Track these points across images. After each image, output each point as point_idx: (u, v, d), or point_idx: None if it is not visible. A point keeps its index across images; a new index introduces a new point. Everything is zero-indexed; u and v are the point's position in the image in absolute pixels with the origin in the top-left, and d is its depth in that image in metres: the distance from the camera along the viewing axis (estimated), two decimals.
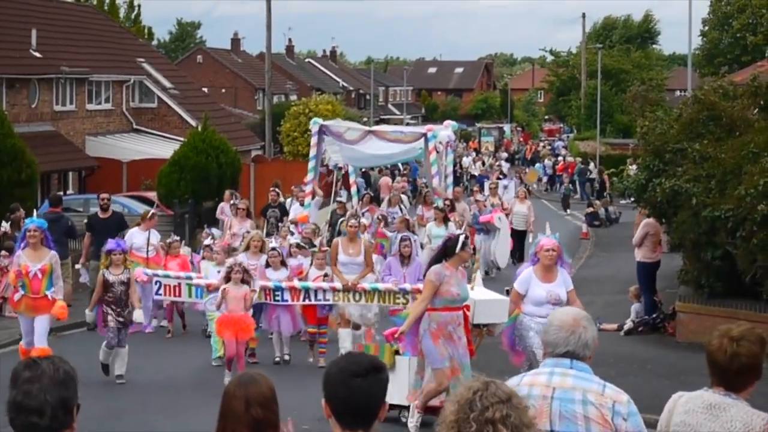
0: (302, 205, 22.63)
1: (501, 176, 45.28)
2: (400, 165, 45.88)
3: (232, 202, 22.52)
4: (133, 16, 63.20)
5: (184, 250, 18.63)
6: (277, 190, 24.10)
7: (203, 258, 17.37)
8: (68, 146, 36.97)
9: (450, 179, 25.27)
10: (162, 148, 38.93)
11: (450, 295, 11.16)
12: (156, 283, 16.39)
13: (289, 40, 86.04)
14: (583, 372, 5.07)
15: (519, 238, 26.83)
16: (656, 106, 30.90)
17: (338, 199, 24.41)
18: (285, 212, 22.89)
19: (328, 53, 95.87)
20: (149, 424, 12.24)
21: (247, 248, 15.87)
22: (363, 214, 22.08)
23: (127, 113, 43.05)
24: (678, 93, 69.09)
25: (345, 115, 48.99)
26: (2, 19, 37.06)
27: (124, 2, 62.14)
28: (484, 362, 13.35)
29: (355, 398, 3.87)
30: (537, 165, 59.89)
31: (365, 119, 59.93)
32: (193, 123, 41.55)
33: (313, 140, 23.27)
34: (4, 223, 20.78)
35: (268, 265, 15.61)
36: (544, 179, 56.19)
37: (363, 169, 39.50)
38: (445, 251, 11.36)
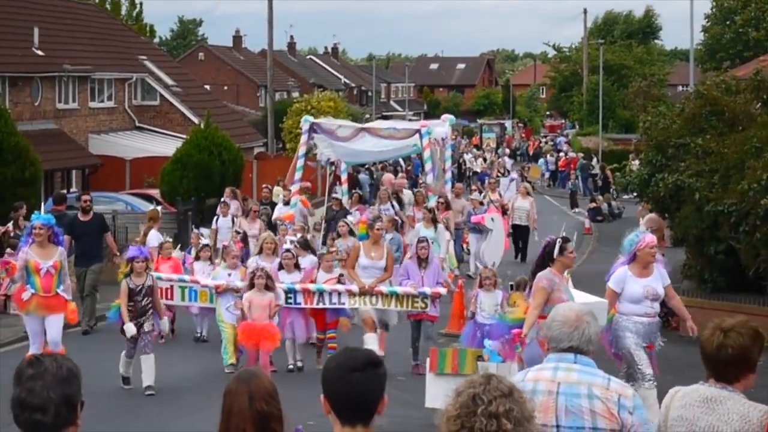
0: (286, 204, 22.58)
1: (506, 172, 45.25)
2: (401, 161, 45.86)
3: (244, 201, 22.45)
4: (135, 14, 63.27)
5: (176, 254, 17.53)
6: (269, 187, 24.09)
7: (198, 258, 17.03)
8: (71, 144, 37.01)
9: (448, 175, 25.00)
10: (165, 145, 38.89)
11: (561, 302, 10.79)
12: None
13: (291, 37, 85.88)
14: (588, 366, 5.08)
15: (521, 233, 26.79)
16: (658, 101, 30.95)
17: (334, 195, 24.22)
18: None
19: (329, 50, 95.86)
20: (149, 424, 12.23)
21: (260, 251, 15.56)
22: (351, 212, 21.86)
23: (130, 111, 43.07)
24: (680, 88, 69.02)
25: (347, 112, 49.03)
26: (5, 17, 37.12)
27: (126, 0, 62.26)
28: None
29: (353, 393, 3.88)
30: (540, 161, 59.87)
31: (367, 116, 59.86)
32: (195, 120, 41.59)
33: (303, 138, 23.24)
34: (10, 223, 20.64)
35: (281, 267, 15.09)
36: (547, 175, 56.15)
37: (366, 166, 39.51)
38: (545, 257, 11.20)
